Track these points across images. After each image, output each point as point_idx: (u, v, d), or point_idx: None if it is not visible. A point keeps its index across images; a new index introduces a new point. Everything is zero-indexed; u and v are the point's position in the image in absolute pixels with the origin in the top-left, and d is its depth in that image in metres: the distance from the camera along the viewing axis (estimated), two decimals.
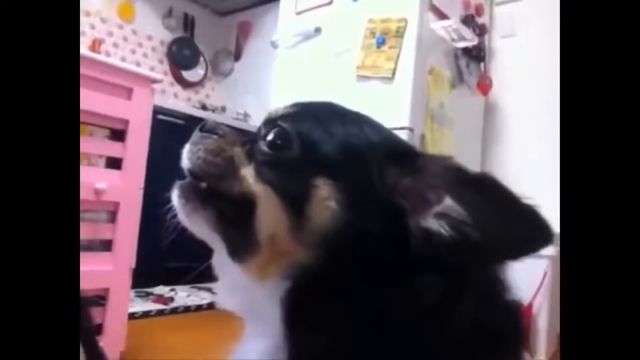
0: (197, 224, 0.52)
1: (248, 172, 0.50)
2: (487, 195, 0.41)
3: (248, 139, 0.54)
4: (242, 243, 0.48)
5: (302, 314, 0.44)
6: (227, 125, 0.58)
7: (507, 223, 0.40)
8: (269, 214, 0.47)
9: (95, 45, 3.13)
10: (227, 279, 0.53)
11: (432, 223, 0.42)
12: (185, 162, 0.54)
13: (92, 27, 3.22)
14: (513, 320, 0.48)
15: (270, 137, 0.50)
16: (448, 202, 0.42)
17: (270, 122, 0.52)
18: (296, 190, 0.46)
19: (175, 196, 0.53)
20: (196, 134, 0.55)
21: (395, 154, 0.48)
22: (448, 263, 0.42)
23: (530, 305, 1.90)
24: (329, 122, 0.50)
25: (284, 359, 0.44)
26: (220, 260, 0.52)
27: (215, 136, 0.54)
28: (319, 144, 0.48)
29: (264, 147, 0.50)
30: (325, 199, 0.45)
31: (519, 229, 0.41)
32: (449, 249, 0.41)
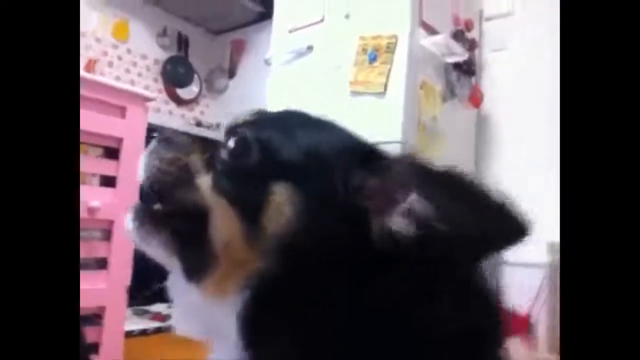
0: (152, 247, 0.51)
1: (204, 181, 0.49)
2: (453, 188, 0.40)
3: (208, 147, 0.53)
4: (198, 261, 0.47)
5: (260, 325, 0.43)
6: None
7: (475, 215, 0.39)
8: (223, 223, 0.46)
9: (90, 65, 3.15)
10: (183, 302, 0.51)
11: (396, 221, 0.41)
12: (141, 172, 0.53)
13: (88, 47, 3.24)
14: (492, 321, 0.46)
15: (230, 144, 0.49)
16: (413, 198, 0.40)
17: (231, 130, 0.51)
18: (252, 197, 0.45)
19: (128, 219, 0.52)
20: (153, 144, 0.54)
21: (360, 157, 0.47)
22: (417, 261, 0.40)
23: (528, 314, 1.90)
24: (291, 128, 0.49)
25: None
26: (175, 282, 0.50)
27: (172, 145, 0.53)
28: (279, 149, 0.47)
29: (223, 155, 0.49)
30: (280, 205, 0.44)
31: (488, 221, 0.39)
32: (415, 246, 0.40)
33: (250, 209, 0.45)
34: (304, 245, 0.43)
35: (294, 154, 0.47)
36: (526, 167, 2.17)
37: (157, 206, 0.52)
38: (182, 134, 0.57)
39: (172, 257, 0.50)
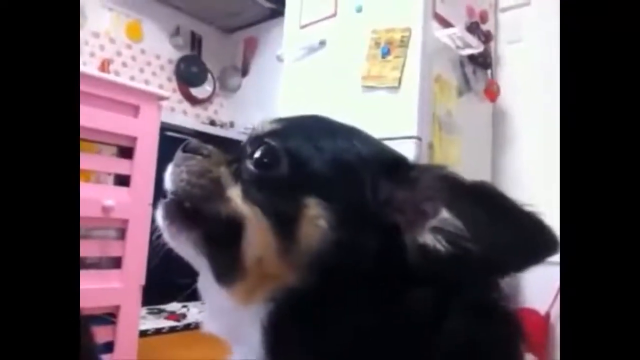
0: (183, 246, 0.50)
1: (235, 193, 0.48)
2: (484, 205, 0.39)
3: (234, 157, 0.52)
4: (229, 266, 0.46)
5: (284, 337, 0.42)
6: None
7: (507, 234, 0.38)
8: (258, 236, 0.45)
9: (105, 65, 3.18)
10: (212, 302, 0.51)
11: (428, 238, 0.40)
12: (168, 184, 0.52)
13: (102, 48, 3.27)
14: (511, 334, 0.45)
15: (257, 155, 0.48)
16: (444, 215, 0.40)
17: (257, 140, 0.50)
18: (285, 210, 0.44)
19: (159, 216, 0.51)
20: (179, 155, 0.53)
21: (388, 167, 0.46)
22: (446, 278, 0.40)
23: (547, 314, 1.86)
24: (318, 137, 0.48)
25: None
26: (206, 283, 0.50)
27: (199, 156, 0.52)
28: (309, 161, 0.46)
29: (250, 166, 0.48)
30: (315, 219, 0.43)
31: (520, 239, 0.38)
32: (447, 265, 0.39)
33: (284, 222, 0.44)
34: (337, 260, 0.42)
35: (323, 165, 0.46)
36: (545, 161, 2.12)
37: (188, 204, 0.50)
38: (201, 136, 0.56)
39: (202, 258, 0.49)
